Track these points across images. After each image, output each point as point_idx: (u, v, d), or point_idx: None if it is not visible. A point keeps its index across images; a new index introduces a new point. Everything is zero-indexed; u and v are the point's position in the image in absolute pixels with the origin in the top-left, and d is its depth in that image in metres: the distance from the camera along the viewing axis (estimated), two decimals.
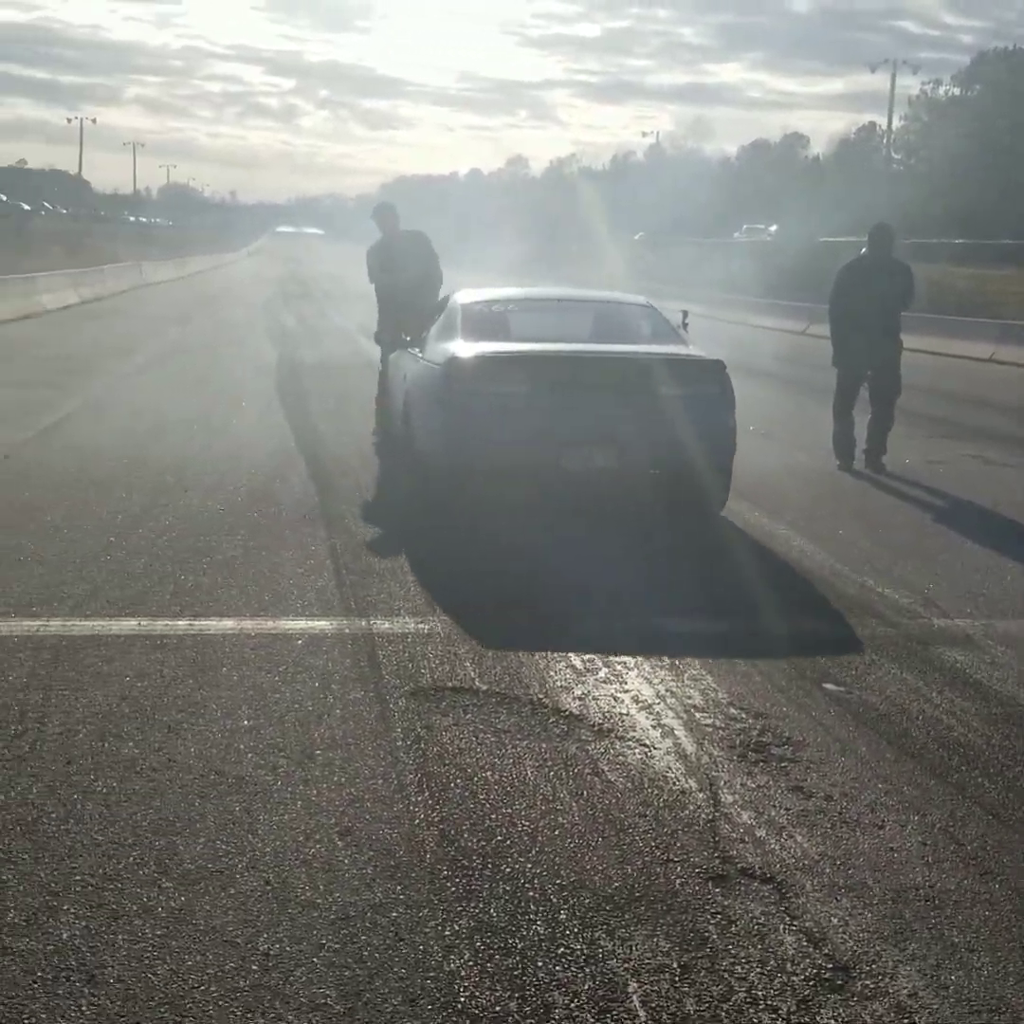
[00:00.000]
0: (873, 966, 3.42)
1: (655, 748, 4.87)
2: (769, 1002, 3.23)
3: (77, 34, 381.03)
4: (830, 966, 3.40)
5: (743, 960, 3.42)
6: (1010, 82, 78.82)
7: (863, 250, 11.83)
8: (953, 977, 3.38)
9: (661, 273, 48.44)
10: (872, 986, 3.32)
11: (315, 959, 3.37)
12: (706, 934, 3.54)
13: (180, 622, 6.29)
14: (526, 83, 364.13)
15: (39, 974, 3.26)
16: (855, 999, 3.26)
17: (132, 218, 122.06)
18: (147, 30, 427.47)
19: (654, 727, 5.08)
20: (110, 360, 19.06)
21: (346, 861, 3.89)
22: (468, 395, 8.61)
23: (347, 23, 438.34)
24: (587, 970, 3.35)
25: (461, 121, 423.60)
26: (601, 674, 5.69)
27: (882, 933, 3.58)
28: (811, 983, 3.33)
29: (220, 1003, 3.17)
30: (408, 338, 10.63)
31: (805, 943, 3.51)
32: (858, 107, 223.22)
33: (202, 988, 3.23)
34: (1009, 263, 47.97)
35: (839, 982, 3.33)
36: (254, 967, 3.33)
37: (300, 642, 6.01)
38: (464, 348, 9.01)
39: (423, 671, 5.65)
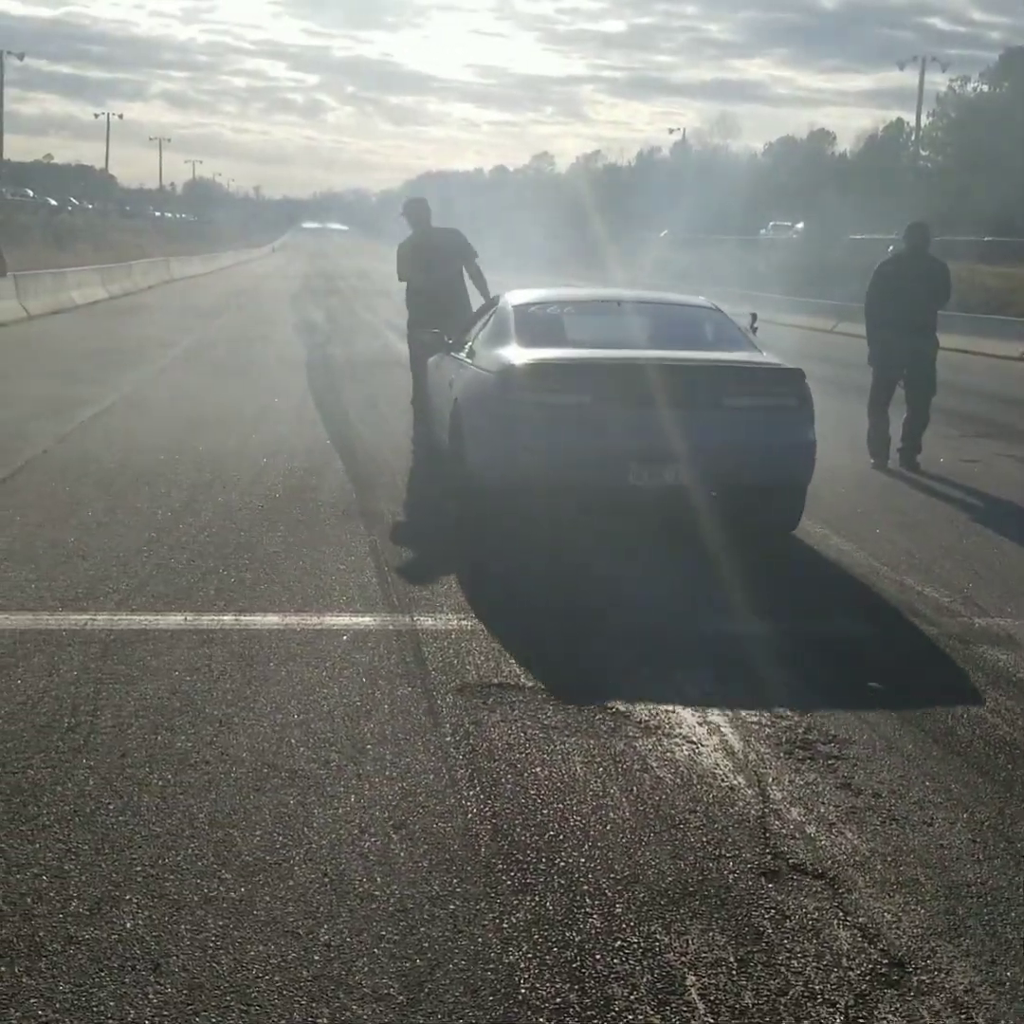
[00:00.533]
0: (928, 962, 3.44)
1: (703, 745, 4.90)
2: (827, 996, 3.26)
3: (104, 29, 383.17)
4: (886, 961, 3.43)
5: (799, 955, 3.45)
6: None
7: (890, 248, 11.93)
8: (1009, 973, 3.41)
9: (688, 270, 48.38)
10: (928, 981, 3.35)
11: (376, 950, 3.42)
12: (761, 929, 3.57)
13: (226, 617, 6.35)
14: (551, 79, 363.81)
15: (105, 963, 3.32)
16: (912, 994, 3.29)
17: (157, 213, 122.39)
18: (173, 25, 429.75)
19: (700, 724, 5.11)
20: (144, 354, 19.19)
21: (401, 854, 3.94)
22: (527, 406, 7.89)
23: (375, 20, 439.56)
24: (645, 963, 3.39)
25: (486, 117, 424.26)
26: (645, 672, 5.72)
27: (936, 929, 3.61)
28: (867, 978, 3.36)
29: (284, 992, 3.22)
30: (450, 341, 10.17)
31: (860, 938, 3.54)
32: (885, 104, 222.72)
33: (266, 978, 3.28)
34: None
35: (895, 977, 3.36)
36: (316, 957, 3.37)
37: (345, 638, 6.06)
38: (521, 354, 8.31)
39: (469, 667, 5.69)
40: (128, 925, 3.50)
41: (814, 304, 36.34)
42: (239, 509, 8.81)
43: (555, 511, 8.11)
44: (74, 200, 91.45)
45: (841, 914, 3.67)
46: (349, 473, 10.36)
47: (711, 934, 3.54)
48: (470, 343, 9.56)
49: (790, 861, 3.97)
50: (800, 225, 67.31)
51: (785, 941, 3.52)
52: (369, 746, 4.77)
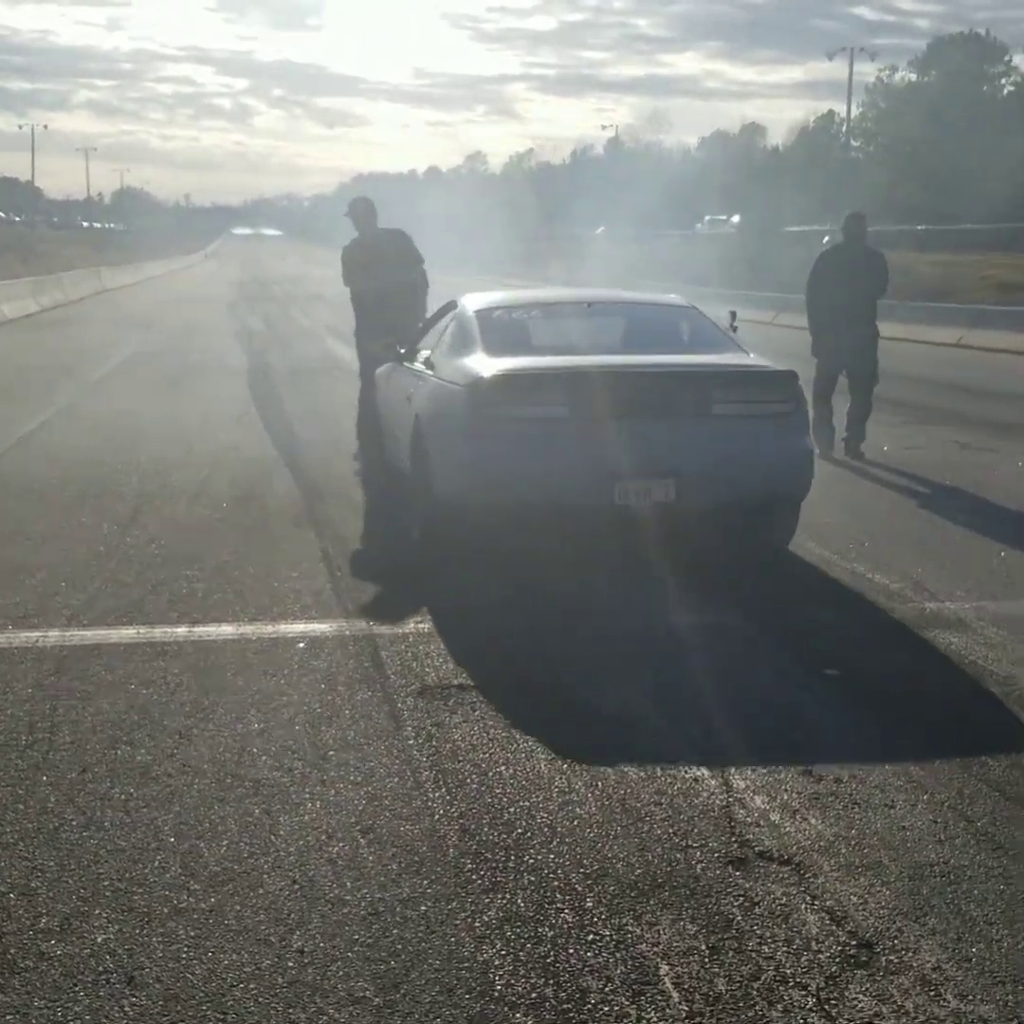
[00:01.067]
0: (895, 941, 3.49)
1: (665, 737, 4.93)
2: (798, 980, 3.30)
3: (25, 40, 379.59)
4: (854, 943, 3.48)
5: (769, 940, 3.49)
6: (966, 67, 79.42)
7: (826, 239, 12.07)
8: (974, 949, 3.46)
9: (630, 266, 48.56)
10: (896, 961, 3.40)
11: (350, 954, 3.42)
12: (731, 916, 3.61)
13: (179, 629, 6.31)
14: (483, 78, 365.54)
15: (79, 978, 3.30)
16: (881, 974, 3.34)
17: (86, 223, 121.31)
18: (97, 33, 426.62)
19: (662, 716, 5.14)
20: (79, 367, 19.01)
21: (370, 858, 3.94)
22: (500, 422, 7.18)
23: (299, 21, 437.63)
24: (618, 955, 3.42)
25: (418, 117, 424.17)
26: (606, 666, 5.75)
27: (901, 910, 3.66)
28: (837, 960, 3.40)
29: (260, 999, 3.22)
30: (403, 350, 9.50)
31: (828, 922, 3.59)
32: (817, 95, 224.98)
33: (241, 986, 3.27)
34: (971, 248, 48.34)
35: (864, 958, 3.41)
36: (290, 964, 3.37)
37: (302, 645, 6.05)
38: (489, 364, 7.53)
39: (428, 670, 5.70)
40: (99, 939, 3.48)
41: (753, 297, 36.51)
42: (186, 520, 8.76)
43: (533, 536, 7.34)
44: (0, 213, 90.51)
45: (808, 899, 3.71)
46: (296, 480, 10.32)
47: (681, 923, 3.57)
48: (428, 353, 8.92)
49: (756, 849, 4.01)
50: (736, 219, 67.77)
51: (754, 927, 3.55)
52: (332, 752, 4.77)
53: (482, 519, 7.31)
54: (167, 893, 3.73)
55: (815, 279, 11.83)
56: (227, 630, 6.31)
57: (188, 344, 23.68)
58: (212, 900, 3.69)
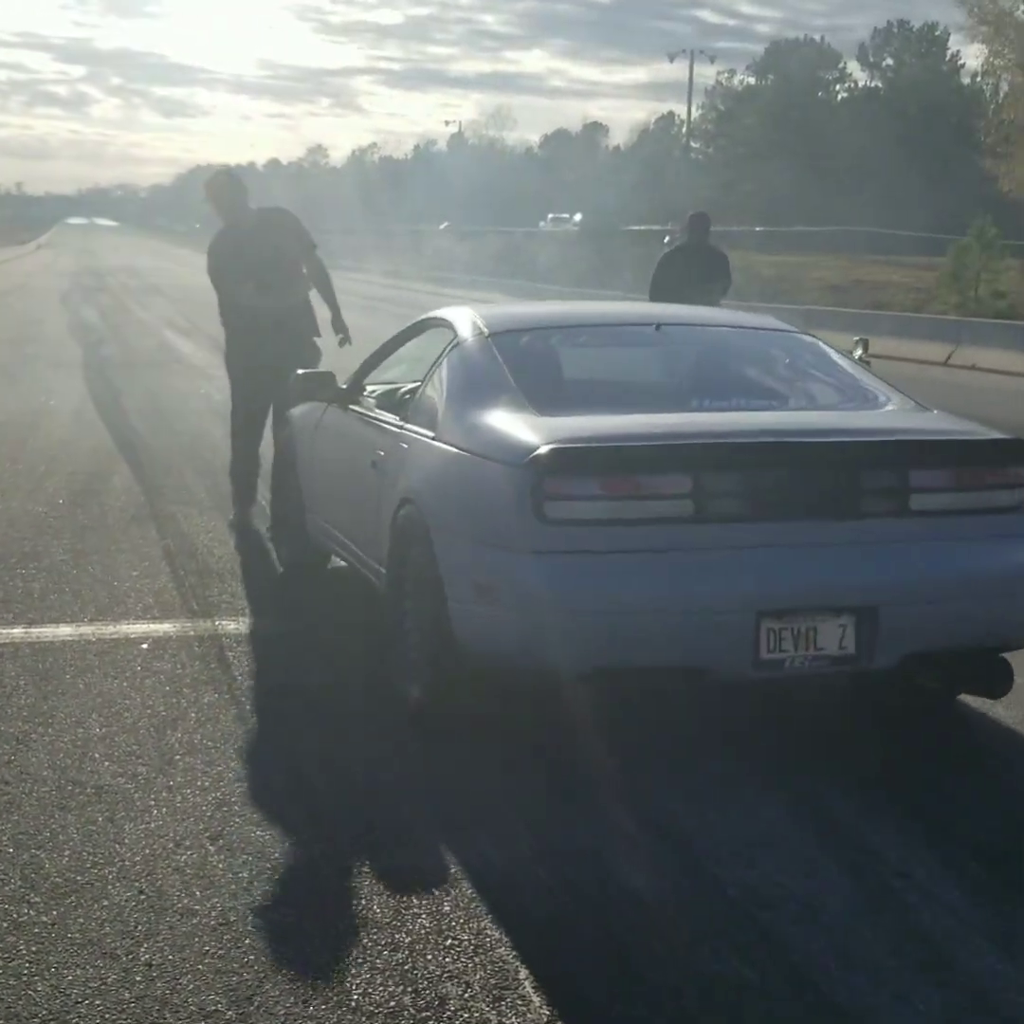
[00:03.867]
0: None
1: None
2: None
3: None
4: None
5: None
6: (800, 72, 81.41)
7: (666, 238, 12.15)
8: None
9: (469, 264, 48.63)
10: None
11: (200, 966, 3.31)
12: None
13: (15, 630, 6.09)
14: (327, 71, 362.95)
15: None
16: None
17: None
18: None
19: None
20: None
21: (220, 866, 3.83)
22: (583, 526, 4.45)
23: (137, 8, 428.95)
24: (476, 960, 3.37)
25: (259, 109, 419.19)
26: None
27: None
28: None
29: (107, 1016, 3.10)
30: (345, 385, 6.55)
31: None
32: (660, 96, 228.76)
33: (87, 1002, 3.15)
34: (806, 249, 49.61)
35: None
36: (138, 978, 3.25)
37: (145, 646, 5.88)
38: (550, 428, 4.66)
39: (275, 670, 5.59)
40: None
41: (597, 295, 36.92)
42: (20, 517, 8.48)
43: (613, 708, 4.75)
44: None
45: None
46: (136, 476, 10.06)
47: (544, 925, 3.55)
48: (398, 393, 6.29)
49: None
50: (578, 217, 68.34)
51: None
52: (178, 757, 4.64)
53: (539, 683, 4.61)
54: (6, 906, 3.57)
55: (659, 277, 11.93)
56: (65, 631, 6.11)
57: (21, 335, 22.97)
58: (54, 913, 3.54)
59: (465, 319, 5.72)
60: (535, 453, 4.42)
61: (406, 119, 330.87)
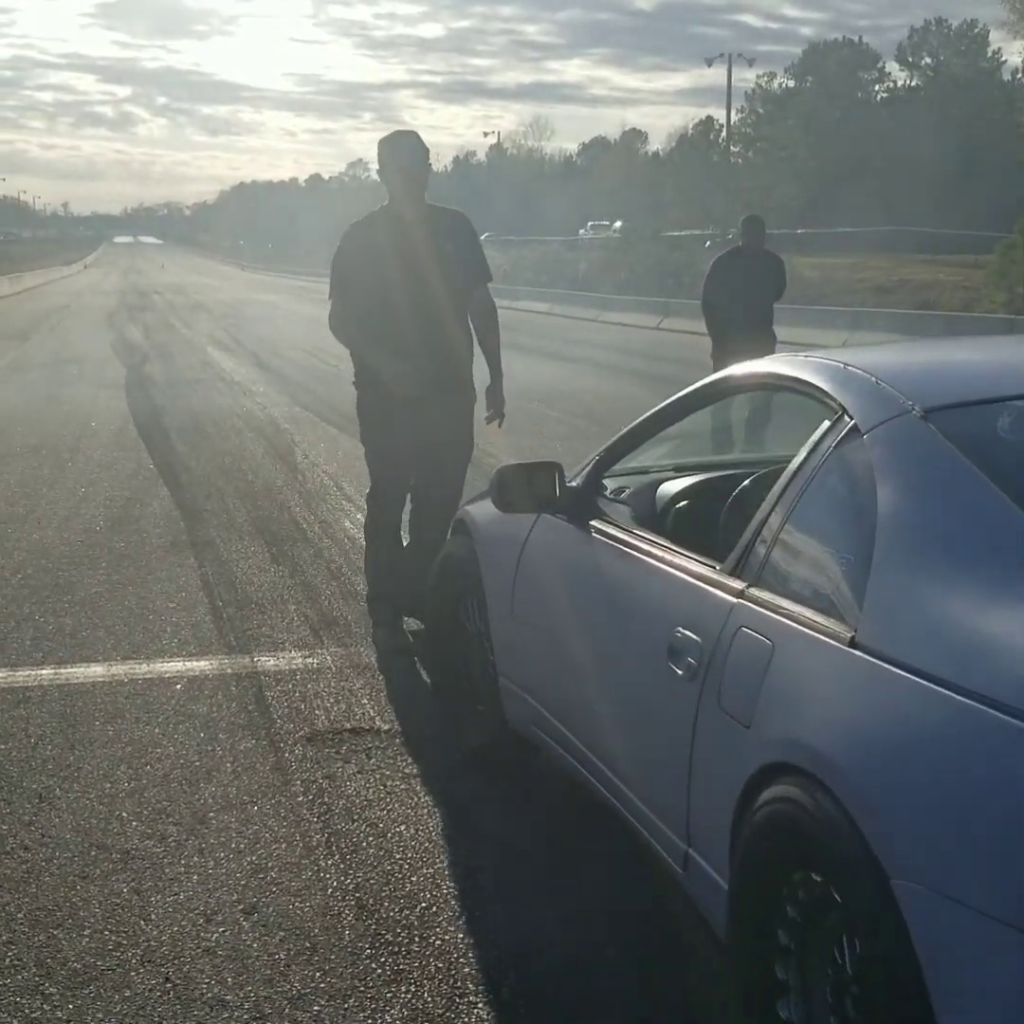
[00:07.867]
0: None
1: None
2: None
3: None
4: None
5: None
6: (839, 74, 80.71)
7: (707, 243, 11.82)
8: None
9: (510, 274, 48.36)
10: None
11: None
12: None
13: (44, 671, 5.76)
14: (369, 85, 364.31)
15: None
16: None
17: None
18: None
19: None
20: None
21: (254, 946, 3.46)
22: None
23: (185, 29, 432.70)
24: None
25: (303, 125, 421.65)
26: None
27: None
28: None
29: None
30: (577, 482, 4.03)
31: None
32: (700, 102, 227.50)
33: None
34: (848, 251, 48.95)
35: None
36: None
37: (179, 686, 5.53)
38: None
39: (317, 712, 5.22)
40: None
41: (638, 301, 36.61)
42: (56, 546, 8.17)
43: None
44: None
45: None
46: (175, 500, 9.75)
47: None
48: (725, 515, 3.50)
49: None
50: (618, 224, 67.88)
51: None
52: (211, 814, 4.28)
53: None
54: (19, 1000, 3.21)
55: (713, 283, 11.53)
56: (97, 671, 5.77)
57: (66, 355, 22.84)
58: (71, 1007, 3.18)
59: (849, 380, 3.07)
60: None
61: (447, 132, 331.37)
